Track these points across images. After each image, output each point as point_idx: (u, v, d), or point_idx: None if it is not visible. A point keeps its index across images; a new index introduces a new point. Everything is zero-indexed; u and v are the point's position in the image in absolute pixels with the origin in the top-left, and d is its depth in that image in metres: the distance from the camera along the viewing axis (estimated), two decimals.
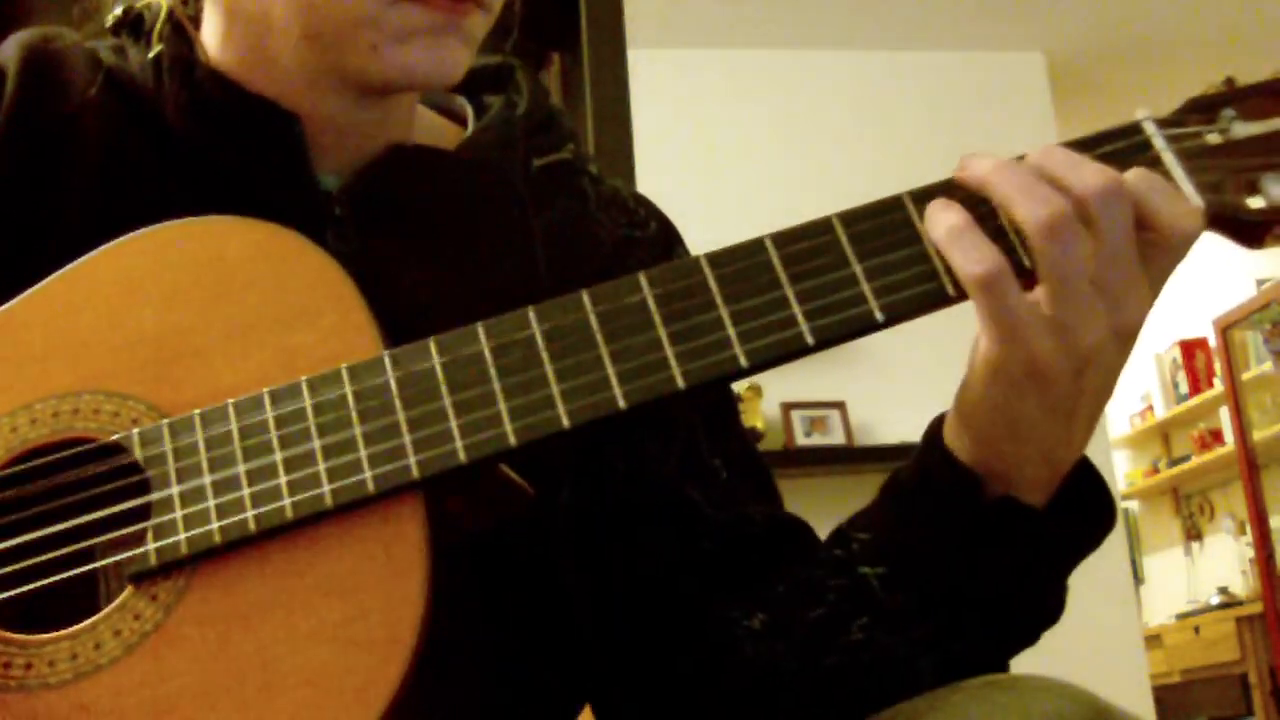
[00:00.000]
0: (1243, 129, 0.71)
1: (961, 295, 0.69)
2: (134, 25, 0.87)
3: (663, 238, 0.94)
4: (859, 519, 0.81)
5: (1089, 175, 0.68)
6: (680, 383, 0.67)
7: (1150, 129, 0.72)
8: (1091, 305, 0.67)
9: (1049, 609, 0.78)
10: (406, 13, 0.78)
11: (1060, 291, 0.67)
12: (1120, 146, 0.71)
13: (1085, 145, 0.71)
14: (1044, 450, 0.72)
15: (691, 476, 0.88)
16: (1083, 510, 0.76)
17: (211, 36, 0.86)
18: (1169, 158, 0.71)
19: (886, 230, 0.70)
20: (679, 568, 0.85)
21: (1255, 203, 0.70)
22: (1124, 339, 0.69)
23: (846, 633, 0.78)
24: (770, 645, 0.80)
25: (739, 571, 0.85)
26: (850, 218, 0.70)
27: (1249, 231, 0.71)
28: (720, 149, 4.34)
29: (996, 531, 0.73)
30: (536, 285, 0.84)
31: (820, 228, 0.70)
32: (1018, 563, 0.74)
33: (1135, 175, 0.69)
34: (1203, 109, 0.73)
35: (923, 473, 0.76)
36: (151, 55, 0.85)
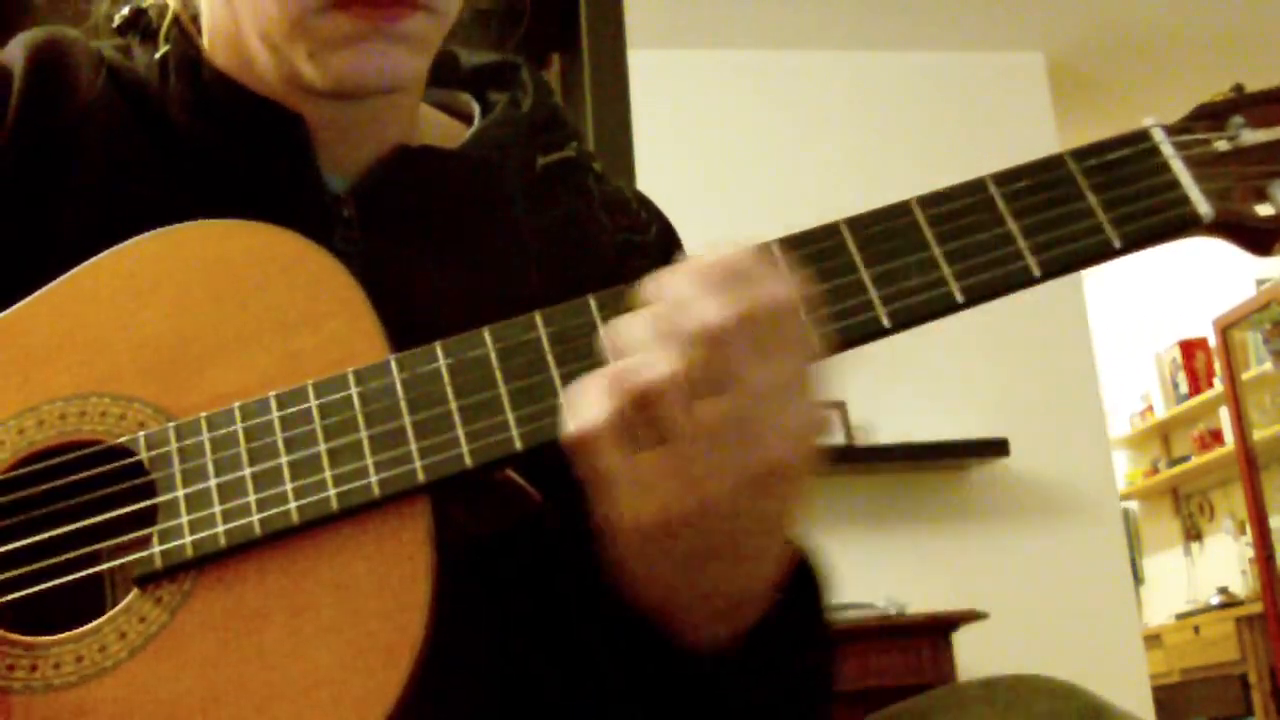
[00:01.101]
0: (1251, 136, 0.71)
1: (969, 303, 0.69)
2: (140, 26, 0.87)
3: (662, 243, 0.94)
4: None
5: (704, 311, 0.62)
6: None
7: (1158, 136, 0.71)
8: (723, 452, 0.62)
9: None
10: (333, 20, 0.77)
11: (669, 450, 0.62)
12: (1128, 153, 0.71)
13: (1093, 152, 0.71)
14: (706, 591, 0.68)
15: None
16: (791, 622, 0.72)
17: (207, 39, 0.86)
18: (1177, 165, 0.70)
19: (896, 234, 0.70)
20: None
21: (1264, 210, 0.70)
22: (762, 484, 0.63)
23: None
24: None
25: None
26: (857, 223, 0.70)
27: (1258, 238, 0.71)
28: (720, 149, 4.34)
29: (674, 685, 0.71)
30: (526, 287, 0.84)
31: (827, 232, 0.70)
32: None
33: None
34: (1211, 116, 0.73)
35: (602, 618, 0.73)
36: (158, 56, 0.85)
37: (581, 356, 0.68)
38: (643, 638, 0.71)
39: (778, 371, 0.63)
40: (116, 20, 0.89)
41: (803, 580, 0.74)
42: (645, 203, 0.97)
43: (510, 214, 0.87)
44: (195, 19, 0.87)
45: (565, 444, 0.64)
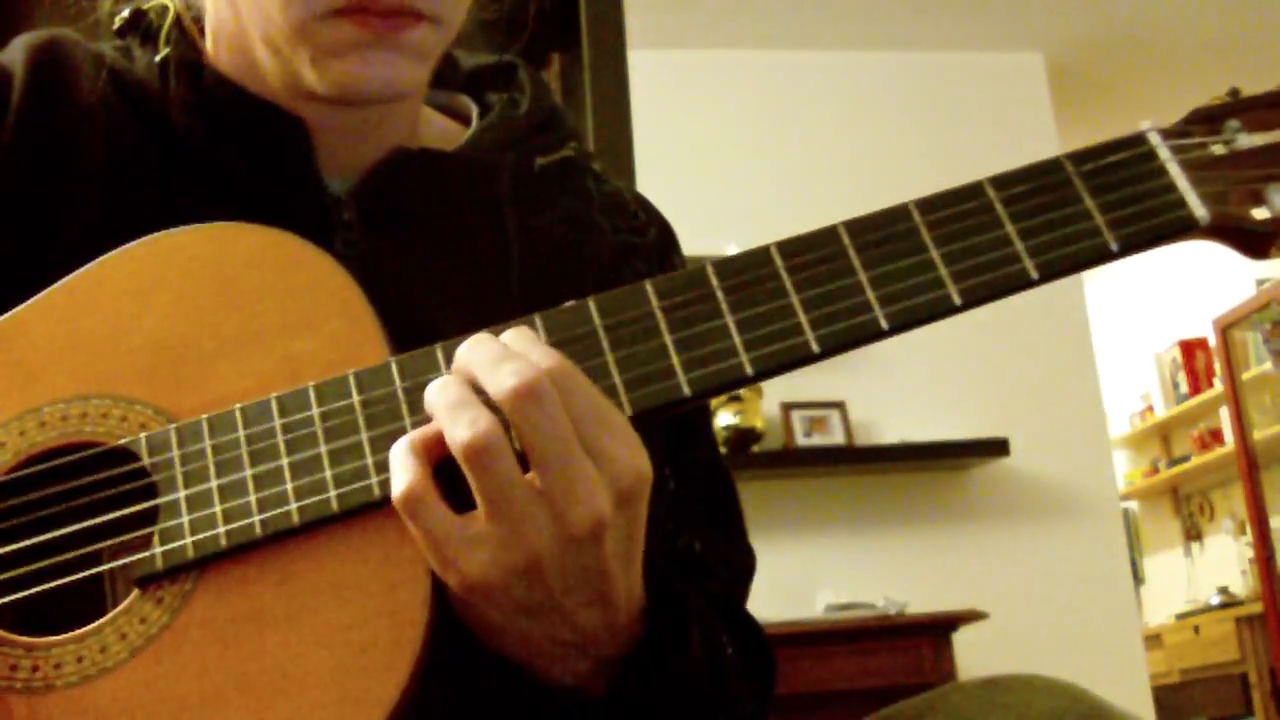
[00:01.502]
0: (1247, 140, 0.71)
1: (967, 305, 0.69)
2: (141, 28, 0.87)
3: (660, 245, 0.94)
4: None
5: (503, 379, 0.63)
6: (686, 390, 0.68)
7: (1155, 140, 0.71)
8: (523, 519, 0.63)
9: None
10: (337, 28, 0.77)
11: (488, 512, 0.63)
12: (1125, 157, 0.71)
13: (1090, 156, 0.71)
14: (544, 637, 0.68)
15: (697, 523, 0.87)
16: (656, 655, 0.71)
17: (209, 41, 0.86)
18: (1173, 169, 0.70)
19: (892, 239, 0.70)
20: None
21: (1260, 213, 0.70)
22: (585, 536, 0.63)
23: None
24: None
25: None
26: (857, 227, 0.71)
27: (1254, 242, 0.71)
28: (720, 149, 4.34)
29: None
30: (507, 290, 0.84)
31: (826, 237, 0.71)
32: None
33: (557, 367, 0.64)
34: (1207, 120, 0.72)
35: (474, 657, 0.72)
36: (159, 58, 0.85)
37: (581, 359, 0.68)
38: (505, 676, 0.70)
39: (567, 437, 0.63)
40: (117, 22, 0.89)
41: (665, 611, 0.73)
42: (644, 204, 0.97)
43: (510, 214, 0.87)
44: (197, 21, 0.87)
45: (397, 502, 0.64)
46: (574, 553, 0.64)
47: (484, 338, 0.66)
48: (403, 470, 0.64)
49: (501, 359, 0.64)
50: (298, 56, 0.79)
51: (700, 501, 0.89)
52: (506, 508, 0.63)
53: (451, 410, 0.64)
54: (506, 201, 0.87)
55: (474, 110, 0.93)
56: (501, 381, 0.63)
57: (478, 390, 0.64)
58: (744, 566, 0.91)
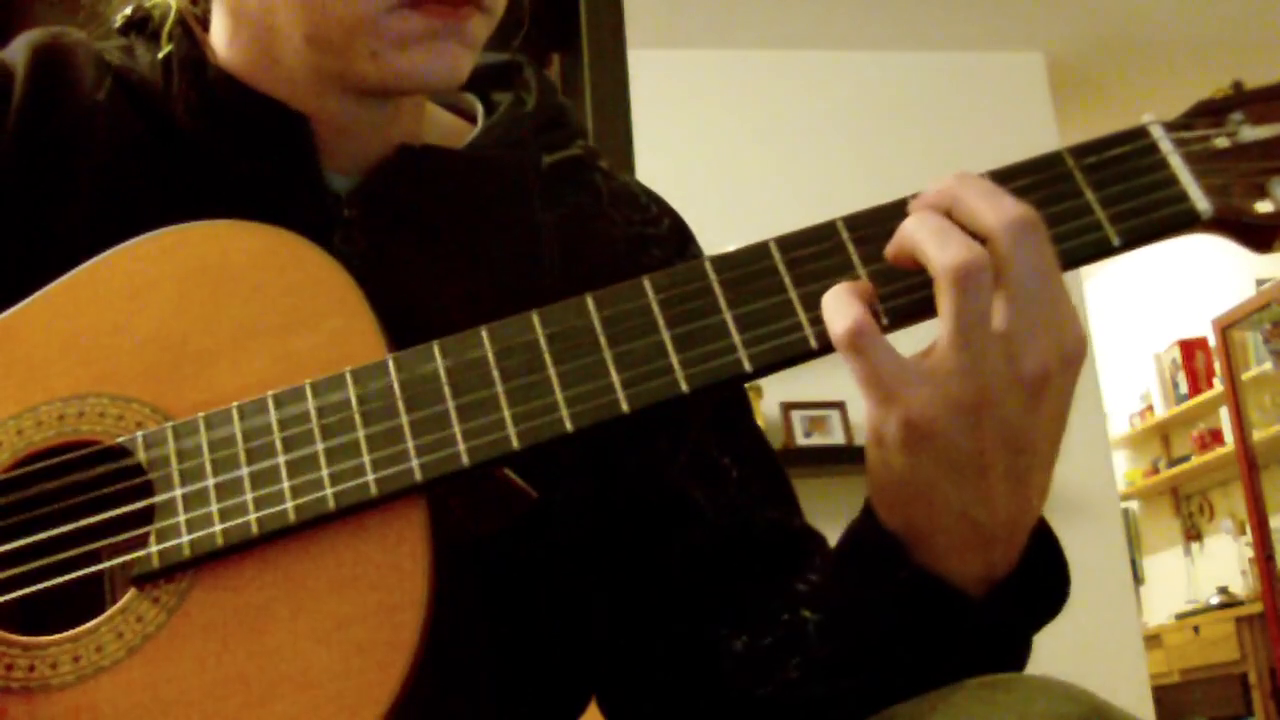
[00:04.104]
0: (1251, 133, 0.71)
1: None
2: (143, 26, 0.87)
3: (676, 235, 0.94)
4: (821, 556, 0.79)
5: (1006, 206, 0.65)
6: (684, 387, 0.67)
7: (1157, 132, 0.71)
8: (983, 355, 0.64)
9: (1003, 664, 0.73)
10: (405, 18, 0.77)
11: (954, 340, 0.64)
12: (1126, 150, 0.71)
13: (1092, 149, 0.71)
14: (956, 512, 0.68)
15: (698, 475, 0.87)
16: (1031, 586, 0.72)
17: (219, 37, 0.86)
18: (1176, 161, 0.70)
19: (891, 234, 0.69)
20: (676, 572, 0.85)
21: (1263, 206, 0.69)
22: (1030, 387, 0.65)
23: (784, 668, 0.77)
24: (743, 672, 0.80)
25: (733, 583, 0.84)
26: (856, 222, 0.70)
27: (1257, 235, 0.70)
28: (720, 149, 4.34)
29: (916, 604, 0.70)
30: (542, 284, 0.84)
31: (824, 233, 0.70)
32: (940, 638, 0.71)
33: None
34: (1210, 113, 0.72)
35: (853, 534, 0.74)
36: (161, 56, 0.85)
37: (579, 355, 0.68)
38: (885, 555, 0.71)
39: (1047, 277, 0.65)
40: (119, 20, 0.89)
41: (1046, 547, 0.74)
42: (654, 197, 0.97)
43: (524, 212, 0.87)
44: (199, 19, 0.87)
45: (843, 339, 0.65)
46: (1016, 400, 0.65)
47: (971, 176, 0.68)
48: (844, 309, 0.66)
49: (997, 192, 0.66)
50: (354, 50, 0.79)
51: (763, 485, 0.90)
52: (974, 338, 0.64)
53: (938, 234, 0.65)
54: (532, 196, 0.88)
55: (479, 108, 0.93)
56: (1004, 209, 0.65)
57: (945, 226, 0.65)
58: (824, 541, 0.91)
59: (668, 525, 0.85)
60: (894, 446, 0.67)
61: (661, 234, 0.93)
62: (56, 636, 0.67)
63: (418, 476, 0.67)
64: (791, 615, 0.77)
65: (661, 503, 0.86)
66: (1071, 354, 0.66)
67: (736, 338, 0.68)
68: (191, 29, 0.86)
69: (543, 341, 0.69)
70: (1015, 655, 0.74)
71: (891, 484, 0.69)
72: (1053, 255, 0.66)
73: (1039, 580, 0.73)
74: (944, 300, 0.64)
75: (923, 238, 0.66)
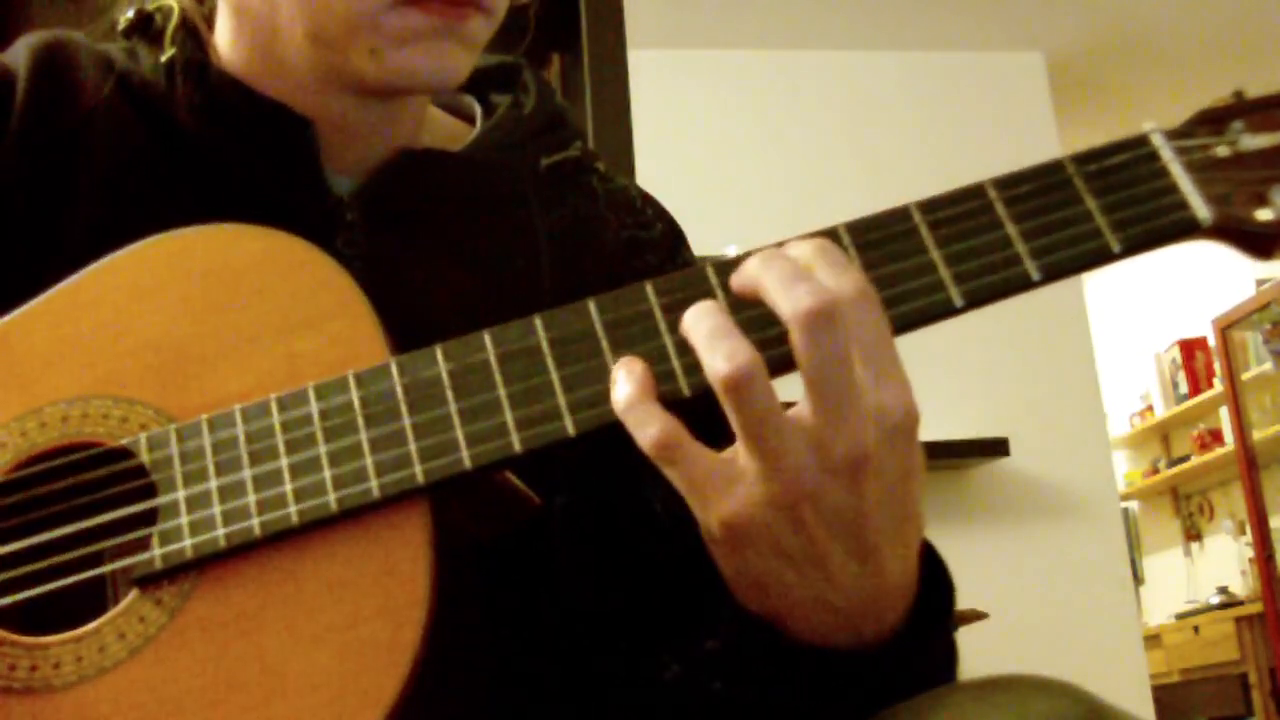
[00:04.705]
0: (1251, 141, 0.71)
1: (969, 307, 0.68)
2: (146, 28, 0.87)
3: (668, 239, 0.95)
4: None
5: (799, 298, 0.62)
6: (686, 391, 0.67)
7: (1158, 141, 0.71)
8: (783, 453, 0.62)
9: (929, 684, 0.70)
10: (405, 17, 0.78)
11: (748, 446, 0.62)
12: (1127, 158, 0.71)
13: (1093, 157, 0.71)
14: (810, 598, 0.66)
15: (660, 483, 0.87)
16: (922, 624, 0.70)
17: (223, 37, 0.86)
18: (1176, 169, 0.70)
19: (892, 240, 0.70)
20: (640, 583, 0.84)
21: (1264, 215, 0.69)
22: (846, 473, 0.62)
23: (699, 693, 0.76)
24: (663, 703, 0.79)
25: (680, 603, 0.82)
26: (856, 229, 0.70)
27: (1259, 243, 0.70)
28: (720, 149, 4.34)
29: (800, 677, 0.69)
30: (540, 287, 0.84)
31: (825, 237, 0.70)
32: (835, 695, 0.69)
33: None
34: (1211, 121, 0.72)
35: (733, 614, 0.71)
36: (164, 58, 0.85)
37: (581, 359, 0.68)
38: (755, 635, 0.69)
39: (846, 363, 0.62)
40: (122, 23, 0.89)
41: (931, 591, 0.72)
42: (650, 200, 0.97)
43: (522, 214, 0.88)
44: (208, 20, 0.87)
45: (650, 451, 0.63)
46: (832, 489, 0.62)
47: (777, 254, 0.65)
48: (648, 421, 0.63)
49: (796, 278, 0.62)
50: (354, 48, 0.79)
51: None
52: (765, 440, 0.61)
53: (710, 339, 0.62)
54: (528, 198, 0.88)
55: (478, 110, 0.94)
56: (797, 301, 0.62)
57: (756, 305, 0.63)
58: None
59: (636, 535, 0.85)
60: (720, 545, 0.66)
61: (654, 238, 0.93)
62: (59, 637, 0.67)
63: (420, 479, 0.67)
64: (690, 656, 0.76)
65: (633, 512, 0.85)
66: (895, 426, 0.64)
67: None
68: (196, 30, 0.86)
69: (545, 345, 0.69)
70: (932, 678, 0.72)
71: (733, 577, 0.68)
72: (875, 327, 0.63)
73: (930, 611, 0.71)
74: (726, 407, 0.62)
75: (696, 342, 0.63)
